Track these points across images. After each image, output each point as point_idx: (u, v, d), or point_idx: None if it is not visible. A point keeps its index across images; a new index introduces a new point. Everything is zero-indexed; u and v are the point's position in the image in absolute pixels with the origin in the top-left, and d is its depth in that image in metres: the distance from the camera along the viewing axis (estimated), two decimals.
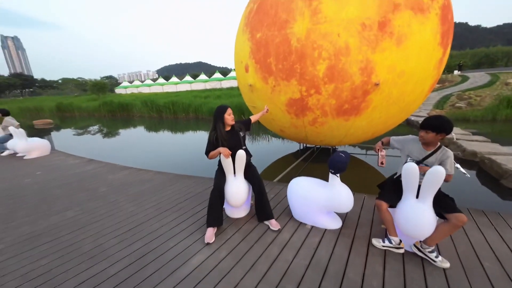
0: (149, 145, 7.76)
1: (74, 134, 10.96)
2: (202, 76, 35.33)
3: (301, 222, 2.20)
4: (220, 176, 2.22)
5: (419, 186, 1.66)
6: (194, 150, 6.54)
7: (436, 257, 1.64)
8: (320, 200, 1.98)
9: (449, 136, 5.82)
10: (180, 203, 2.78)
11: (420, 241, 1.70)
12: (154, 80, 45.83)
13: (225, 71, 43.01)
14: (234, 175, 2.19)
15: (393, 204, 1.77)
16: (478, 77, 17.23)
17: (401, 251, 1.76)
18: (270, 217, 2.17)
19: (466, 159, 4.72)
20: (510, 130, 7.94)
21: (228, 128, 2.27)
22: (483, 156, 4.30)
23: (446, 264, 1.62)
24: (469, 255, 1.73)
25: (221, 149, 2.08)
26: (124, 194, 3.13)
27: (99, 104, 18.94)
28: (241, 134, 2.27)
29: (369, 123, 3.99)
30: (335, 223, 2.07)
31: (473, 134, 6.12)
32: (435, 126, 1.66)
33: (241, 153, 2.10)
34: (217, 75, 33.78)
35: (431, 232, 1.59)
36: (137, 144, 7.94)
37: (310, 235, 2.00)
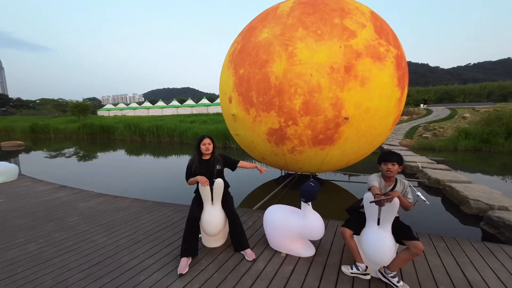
0: (129, 170, 7.50)
1: (46, 157, 10.32)
2: (189, 101, 35.86)
3: (276, 251, 2.23)
4: (196, 204, 2.25)
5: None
6: (176, 176, 6.43)
7: (398, 282, 1.75)
8: (293, 228, 2.07)
9: (415, 165, 6.33)
10: (155, 233, 2.69)
11: (384, 267, 1.82)
12: (140, 103, 45.66)
13: (212, 97, 44.21)
14: (212, 204, 2.24)
15: (356, 232, 1.90)
16: (440, 111, 19.33)
17: (368, 277, 1.85)
18: (245, 246, 2.19)
19: (432, 186, 5.13)
20: (469, 159, 8.81)
21: (206, 157, 2.39)
22: (445, 183, 4.71)
23: None
24: (428, 280, 1.86)
25: (199, 177, 2.17)
26: (95, 224, 2.97)
27: (78, 126, 18.30)
28: (218, 167, 2.35)
29: (342, 153, 4.31)
30: (309, 251, 2.14)
31: (438, 162, 6.72)
32: (400, 159, 1.87)
33: (219, 182, 2.19)
34: (204, 100, 34.51)
35: (392, 257, 1.73)
36: (116, 169, 7.65)
37: (284, 264, 2.04)
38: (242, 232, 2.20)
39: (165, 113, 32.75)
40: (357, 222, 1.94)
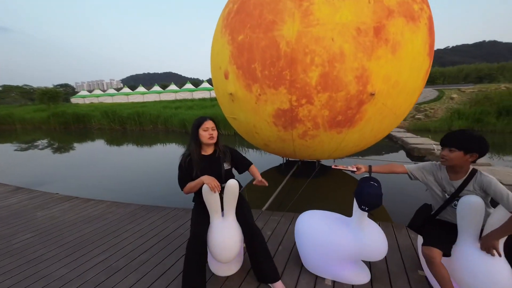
0: (106, 165, 6.47)
1: (8, 152, 8.90)
2: (172, 87, 33.65)
3: (317, 276, 1.61)
4: (200, 218, 1.54)
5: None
6: (164, 171, 5.51)
7: None
8: (344, 246, 1.45)
9: (423, 147, 5.94)
10: (142, 254, 1.96)
11: None
12: (118, 89, 42.22)
13: (196, 82, 41.80)
14: (222, 215, 1.54)
15: (447, 252, 1.31)
16: (427, 92, 19.41)
17: None
18: (273, 278, 1.50)
19: None
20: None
21: (207, 151, 1.66)
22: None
23: None
24: None
25: (206, 178, 1.45)
26: (55, 244, 2.15)
27: (48, 115, 16.36)
28: (226, 166, 1.64)
29: (361, 136, 3.72)
30: (364, 276, 1.54)
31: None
32: (463, 142, 1.27)
33: (233, 184, 1.48)
34: (188, 85, 32.55)
35: None
36: (90, 164, 6.57)
37: None
38: (268, 255, 1.53)
39: (147, 99, 30.59)
40: (443, 236, 1.35)
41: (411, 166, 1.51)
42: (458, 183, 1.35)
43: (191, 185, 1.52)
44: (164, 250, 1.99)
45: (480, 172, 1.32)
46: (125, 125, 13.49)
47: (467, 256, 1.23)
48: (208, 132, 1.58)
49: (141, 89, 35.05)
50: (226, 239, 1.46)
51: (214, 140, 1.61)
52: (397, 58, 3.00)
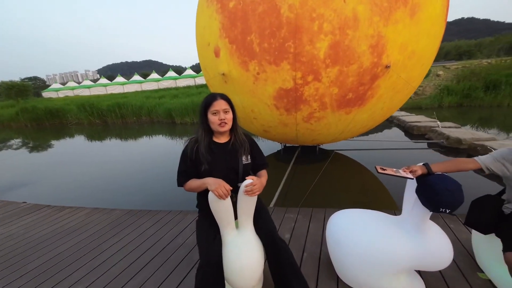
0: (85, 164, 5.74)
1: None
2: (154, 75, 31.72)
3: None
4: (209, 234, 1.14)
5: None
6: (154, 168, 4.94)
7: None
8: (396, 253, 1.12)
9: (430, 125, 5.75)
10: (134, 276, 1.53)
11: None
12: (95, 81, 39.28)
13: (179, 70, 39.63)
14: (237, 227, 1.16)
15: None
16: None
17: None
18: None
19: (452, 147, 4.61)
20: (455, 115, 8.72)
21: (221, 139, 1.25)
22: (473, 143, 4.18)
23: None
24: None
25: (211, 182, 1.06)
26: (16, 272, 1.68)
27: (16, 111, 14.82)
28: (244, 159, 1.24)
29: (370, 116, 3.40)
30: (418, 287, 1.24)
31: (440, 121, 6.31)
32: None
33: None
34: (171, 73, 30.78)
35: None
36: (65, 165, 5.80)
37: None
38: (297, 273, 1.16)
39: (127, 90, 28.76)
40: None
41: (484, 159, 1.19)
42: None
43: (194, 184, 1.13)
44: (162, 269, 1.59)
45: None
46: (106, 118, 12.48)
47: None
48: (217, 117, 1.17)
49: (120, 79, 32.82)
50: (245, 262, 1.08)
51: (227, 128, 1.21)
52: (415, 22, 2.62)
